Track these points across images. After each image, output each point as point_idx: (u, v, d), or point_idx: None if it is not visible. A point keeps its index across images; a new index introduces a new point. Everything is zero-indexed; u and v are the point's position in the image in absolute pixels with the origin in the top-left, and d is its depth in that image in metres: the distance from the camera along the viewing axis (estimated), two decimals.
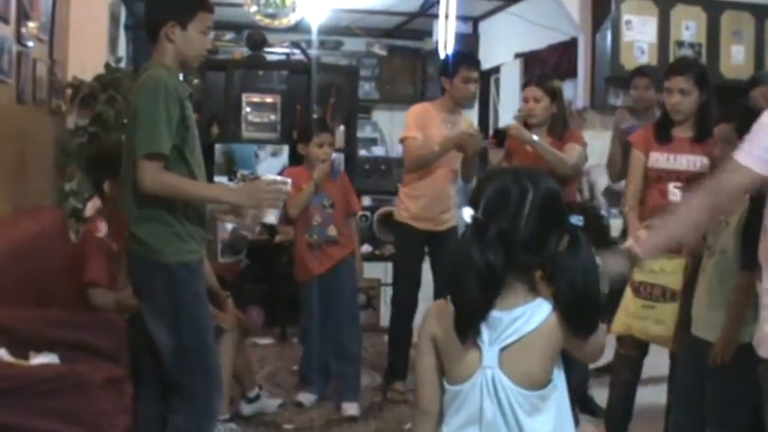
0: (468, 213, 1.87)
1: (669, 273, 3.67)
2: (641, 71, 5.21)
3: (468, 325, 1.89)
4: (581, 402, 4.47)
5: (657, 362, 4.17)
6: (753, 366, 2.88)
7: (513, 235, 1.85)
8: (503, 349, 1.90)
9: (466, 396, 1.93)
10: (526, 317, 1.90)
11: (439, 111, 4.87)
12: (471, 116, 10.34)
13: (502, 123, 7.86)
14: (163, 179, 3.02)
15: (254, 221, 3.58)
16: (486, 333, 1.91)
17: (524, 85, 4.68)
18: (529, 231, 1.86)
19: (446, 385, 1.98)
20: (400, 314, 4.98)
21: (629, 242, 3.93)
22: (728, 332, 3.16)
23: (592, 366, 4.58)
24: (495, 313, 1.89)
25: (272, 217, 3.30)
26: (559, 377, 1.96)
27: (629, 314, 3.82)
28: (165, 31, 3.14)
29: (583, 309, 1.91)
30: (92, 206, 4.35)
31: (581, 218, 1.92)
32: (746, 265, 3.10)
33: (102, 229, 3.81)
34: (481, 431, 1.92)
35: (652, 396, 4.59)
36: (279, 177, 3.37)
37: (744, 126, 3.29)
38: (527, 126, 4.51)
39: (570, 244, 1.90)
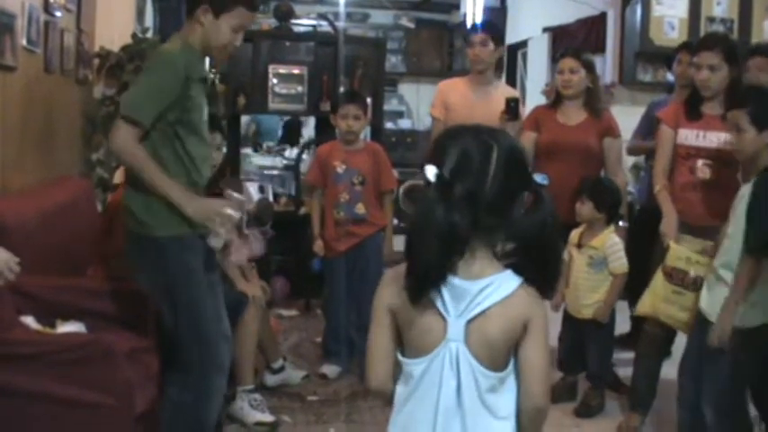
0: (431, 172, 1.73)
1: (703, 264, 3.64)
2: (687, 46, 5.02)
3: (422, 288, 1.76)
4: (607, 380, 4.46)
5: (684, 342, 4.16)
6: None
7: (478, 195, 1.74)
8: (469, 322, 1.77)
9: (426, 370, 1.81)
10: (494, 287, 1.77)
11: (466, 82, 4.85)
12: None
13: (529, 98, 7.80)
14: (132, 148, 2.97)
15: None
16: (451, 304, 1.78)
17: (560, 56, 4.63)
18: (494, 191, 1.75)
19: (402, 359, 1.85)
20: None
21: (663, 225, 3.93)
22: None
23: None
24: (461, 283, 1.77)
25: (215, 241, 3.15)
26: (514, 365, 1.83)
27: (658, 297, 3.82)
28: (199, 12, 3.11)
29: (541, 258, 1.80)
30: (120, 173, 4.38)
31: (545, 176, 1.83)
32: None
33: None
34: (436, 412, 1.80)
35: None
36: (235, 199, 3.26)
37: (758, 111, 3.25)
38: (561, 98, 4.50)
39: (534, 202, 1.79)
